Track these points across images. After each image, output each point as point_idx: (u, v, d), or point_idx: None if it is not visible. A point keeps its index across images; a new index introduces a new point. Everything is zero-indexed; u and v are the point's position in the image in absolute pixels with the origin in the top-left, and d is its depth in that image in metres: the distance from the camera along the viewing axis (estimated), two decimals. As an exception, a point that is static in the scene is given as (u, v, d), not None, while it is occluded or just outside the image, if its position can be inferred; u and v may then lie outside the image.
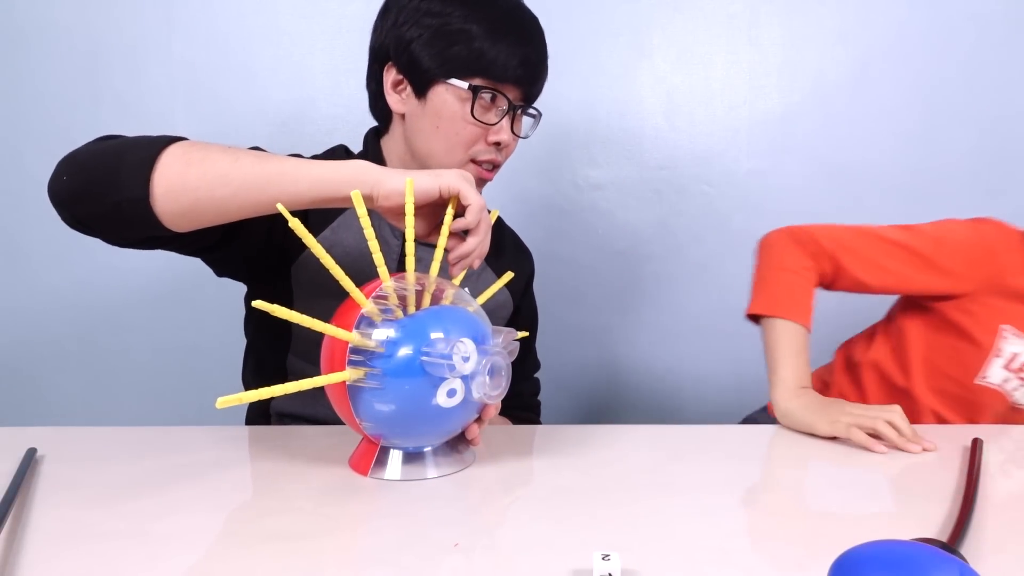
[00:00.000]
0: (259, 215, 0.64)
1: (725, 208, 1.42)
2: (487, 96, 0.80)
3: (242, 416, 0.95)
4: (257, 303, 0.52)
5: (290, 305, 0.82)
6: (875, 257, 0.92)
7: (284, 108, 1.37)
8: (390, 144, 0.89)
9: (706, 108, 1.40)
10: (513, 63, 0.79)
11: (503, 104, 0.81)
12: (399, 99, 0.84)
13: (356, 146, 0.92)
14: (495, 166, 0.85)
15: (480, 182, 0.84)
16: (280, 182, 0.62)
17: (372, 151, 0.89)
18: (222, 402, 0.49)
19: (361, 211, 0.59)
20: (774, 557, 0.49)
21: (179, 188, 0.61)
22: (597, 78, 1.38)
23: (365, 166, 0.63)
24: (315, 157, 0.91)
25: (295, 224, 0.56)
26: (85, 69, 1.35)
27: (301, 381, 0.55)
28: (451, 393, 0.58)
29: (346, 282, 0.58)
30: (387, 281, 0.60)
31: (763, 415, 1.06)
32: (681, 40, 1.38)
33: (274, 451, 0.70)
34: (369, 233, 0.59)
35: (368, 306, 0.58)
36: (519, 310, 1.00)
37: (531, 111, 0.86)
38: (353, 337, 0.57)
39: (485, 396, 0.58)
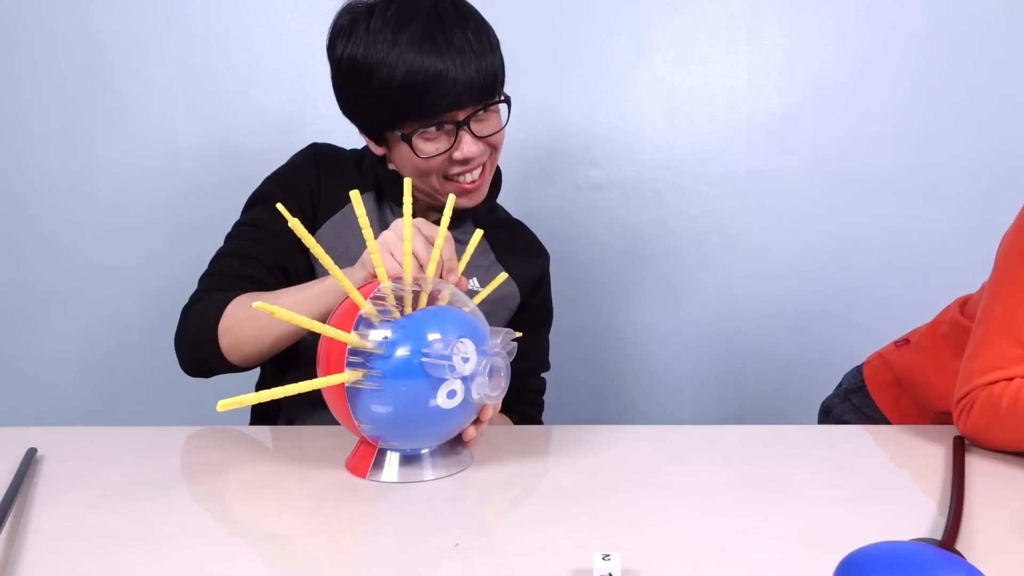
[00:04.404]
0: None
1: (726, 208, 1.41)
2: (431, 129, 0.78)
3: (246, 416, 0.95)
4: (257, 304, 0.52)
5: None
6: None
7: (284, 108, 1.37)
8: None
9: (706, 108, 1.39)
10: (448, 92, 0.74)
11: (451, 128, 0.78)
12: (371, 142, 0.86)
13: (354, 141, 0.93)
14: (482, 169, 0.83)
15: (465, 194, 0.83)
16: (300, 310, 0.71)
17: (375, 170, 0.89)
18: (223, 405, 0.49)
19: (360, 211, 0.59)
20: (774, 558, 0.49)
21: (242, 348, 0.77)
22: (597, 78, 1.38)
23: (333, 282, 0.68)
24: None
25: (295, 225, 0.56)
26: (86, 67, 1.34)
27: (300, 383, 0.55)
28: (451, 394, 0.58)
29: (345, 283, 0.58)
30: (385, 282, 0.60)
31: (841, 404, 1.02)
32: (681, 40, 1.38)
33: (273, 452, 0.71)
34: (368, 233, 0.59)
35: (366, 307, 0.58)
36: (526, 305, 0.99)
37: (500, 103, 0.82)
38: (352, 338, 0.57)
39: (484, 397, 0.59)
